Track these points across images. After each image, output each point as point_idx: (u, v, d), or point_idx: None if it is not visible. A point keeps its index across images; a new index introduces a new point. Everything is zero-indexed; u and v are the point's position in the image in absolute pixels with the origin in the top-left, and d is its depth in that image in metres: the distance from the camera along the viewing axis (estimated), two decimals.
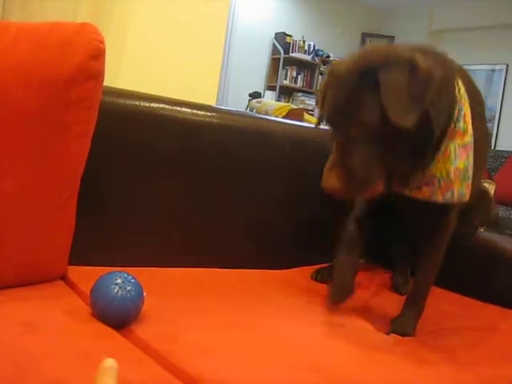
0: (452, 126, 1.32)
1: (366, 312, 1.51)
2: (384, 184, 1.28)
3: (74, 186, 1.29)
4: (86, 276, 1.30)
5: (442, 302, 1.66)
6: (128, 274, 1.13)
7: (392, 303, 1.64)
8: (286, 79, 8.73)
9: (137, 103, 1.56)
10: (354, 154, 1.21)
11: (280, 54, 8.50)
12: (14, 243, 1.19)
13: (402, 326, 1.43)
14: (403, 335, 1.38)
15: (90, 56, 1.18)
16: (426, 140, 1.28)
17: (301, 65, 8.84)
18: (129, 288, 1.10)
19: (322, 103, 1.34)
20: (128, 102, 1.55)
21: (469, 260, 1.82)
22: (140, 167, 1.57)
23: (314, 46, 8.84)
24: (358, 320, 1.45)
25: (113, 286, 1.09)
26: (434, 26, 8.75)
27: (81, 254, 1.39)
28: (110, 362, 0.70)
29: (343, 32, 9.04)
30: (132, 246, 1.56)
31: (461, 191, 1.38)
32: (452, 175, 1.34)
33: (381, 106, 1.18)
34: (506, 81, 8.22)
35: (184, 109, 1.65)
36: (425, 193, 1.37)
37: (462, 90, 1.37)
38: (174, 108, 1.64)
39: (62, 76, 1.16)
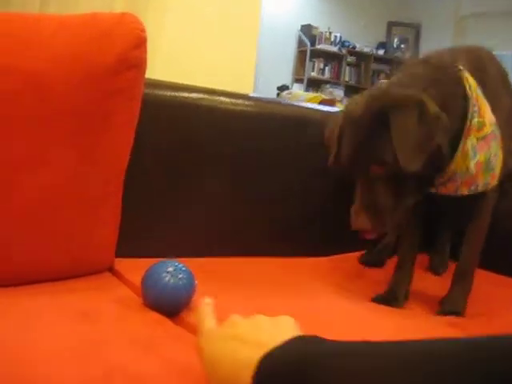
0: (468, 123, 1.33)
1: (412, 295, 1.50)
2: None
3: (119, 176, 1.29)
4: (133, 267, 1.31)
5: (490, 284, 1.63)
6: (179, 263, 1.12)
7: (434, 284, 1.64)
8: (313, 71, 8.71)
9: (175, 94, 1.56)
10: (377, 193, 1.26)
11: (306, 46, 8.49)
12: (63, 234, 1.20)
13: (452, 304, 1.42)
14: (453, 314, 1.38)
15: (131, 45, 1.18)
16: (439, 162, 1.32)
17: (328, 56, 8.81)
18: (180, 276, 1.09)
19: (337, 144, 1.36)
20: (167, 93, 1.54)
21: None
22: (184, 157, 1.57)
23: (341, 37, 8.80)
24: (408, 302, 1.45)
25: (164, 274, 1.09)
26: (461, 12, 8.63)
27: (127, 246, 1.40)
28: (208, 299, 0.87)
29: (367, 24, 8.97)
30: (180, 237, 1.56)
31: (485, 182, 1.39)
32: (473, 170, 1.35)
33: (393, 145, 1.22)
34: None
35: (223, 98, 1.65)
36: (450, 188, 1.40)
37: (474, 85, 1.37)
38: (213, 98, 1.63)
39: (103, 66, 1.16)
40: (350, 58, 8.87)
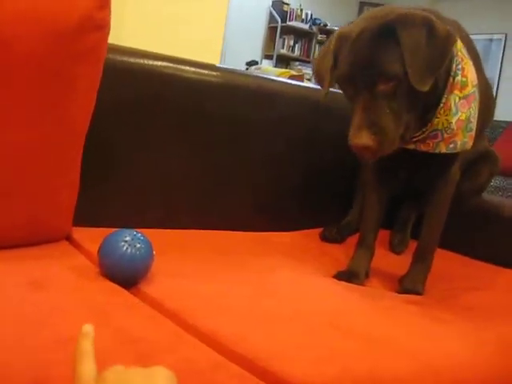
0: (451, 79, 1.33)
1: (372, 272, 1.51)
2: (404, 137, 1.28)
3: (80, 141, 1.25)
4: (91, 236, 1.28)
5: (452, 264, 1.66)
6: (137, 232, 1.10)
7: (395, 262, 1.64)
8: (283, 48, 8.65)
9: (141, 61, 1.52)
10: (382, 110, 1.20)
11: (277, 22, 8.42)
12: (20, 198, 1.16)
13: (411, 283, 1.44)
14: (412, 292, 1.39)
15: (95, 6, 1.14)
16: (434, 93, 1.30)
17: (298, 34, 8.76)
18: (138, 245, 1.07)
19: (331, 68, 1.31)
20: (132, 59, 1.50)
21: (478, 223, 1.80)
22: (146, 126, 1.53)
23: (312, 14, 8.75)
24: (368, 280, 1.45)
25: (122, 243, 1.06)
26: None
27: (86, 215, 1.36)
28: (87, 328, 0.69)
29: (339, 2, 8.92)
30: (139, 207, 1.53)
31: (463, 141, 1.40)
32: (454, 126, 1.35)
33: (402, 59, 1.18)
34: (504, 50, 8.15)
35: (188, 67, 1.61)
36: (429, 145, 1.39)
37: (459, 44, 1.37)
38: (178, 66, 1.59)
39: (66, 26, 1.11)
40: (321, 37, 8.82)
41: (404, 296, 1.34)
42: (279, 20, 8.40)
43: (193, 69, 1.61)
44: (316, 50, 8.81)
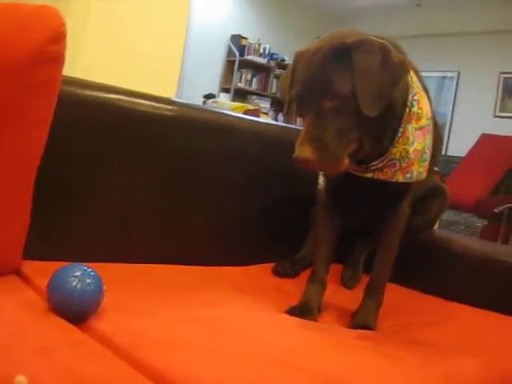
0: (407, 110, 1.37)
1: (324, 307, 1.51)
2: (350, 160, 1.29)
3: (30, 175, 1.23)
4: (41, 270, 1.25)
5: (403, 299, 1.67)
6: (87, 267, 1.08)
7: (347, 297, 1.65)
8: (240, 82, 8.71)
9: (96, 94, 1.51)
10: (326, 126, 1.22)
11: (235, 56, 8.49)
12: None
13: (363, 318, 1.44)
14: (364, 327, 1.40)
15: (50, 38, 1.13)
16: (391, 119, 1.34)
17: (256, 68, 8.85)
18: (88, 281, 1.05)
19: (289, 86, 1.35)
20: (87, 92, 1.50)
21: (428, 257, 1.83)
22: (101, 158, 1.52)
23: (270, 49, 8.86)
24: (320, 315, 1.46)
25: (72, 279, 1.05)
26: (388, 32, 8.84)
27: (36, 248, 1.33)
28: (20, 378, 0.68)
29: (295, 38, 9.07)
30: (91, 240, 1.51)
31: (419, 171, 1.44)
32: (411, 155, 1.39)
33: (353, 81, 1.22)
34: (457, 88, 8.38)
35: (143, 101, 1.61)
36: (387, 174, 1.41)
37: (414, 77, 1.42)
38: (133, 100, 1.59)
39: (19, 58, 1.11)
40: (278, 71, 8.92)
41: (356, 331, 1.34)
42: (237, 54, 8.48)
43: (148, 102, 1.62)
44: (273, 84, 8.91)
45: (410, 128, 1.37)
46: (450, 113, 8.30)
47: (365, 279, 1.65)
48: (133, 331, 1.06)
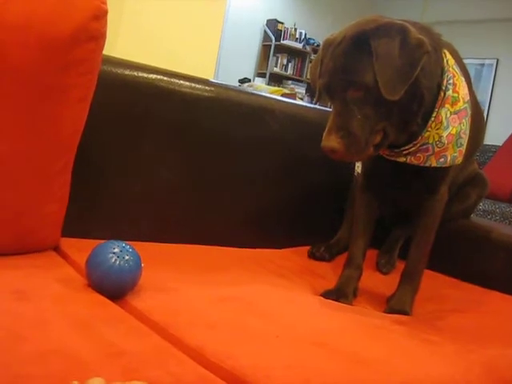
0: (442, 94, 1.35)
1: (360, 292, 1.50)
2: (376, 149, 1.30)
3: (70, 152, 1.24)
4: (79, 247, 1.27)
5: (440, 286, 1.66)
6: (126, 244, 1.09)
7: (382, 283, 1.64)
8: (276, 66, 8.69)
9: (135, 73, 1.51)
10: (352, 116, 1.24)
11: (271, 41, 8.46)
12: (6, 208, 1.15)
13: (399, 303, 1.43)
14: (400, 313, 1.38)
15: (91, 16, 1.13)
16: (418, 105, 1.31)
17: (292, 53, 8.80)
18: (127, 258, 1.06)
19: (318, 75, 1.35)
20: (126, 72, 1.50)
21: (467, 245, 1.80)
22: (139, 140, 1.53)
23: (306, 34, 8.80)
24: (356, 299, 1.45)
25: (110, 255, 1.05)
26: (425, 18, 8.71)
27: (75, 226, 1.35)
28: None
29: (334, 22, 8.98)
30: (129, 219, 1.52)
31: (453, 156, 1.41)
32: (445, 140, 1.37)
33: (374, 70, 1.22)
34: (495, 76, 8.23)
35: (182, 81, 1.61)
36: (419, 158, 1.40)
37: (452, 61, 1.40)
38: (172, 80, 1.59)
39: (61, 36, 1.10)
40: (314, 56, 8.85)
41: (392, 316, 1.33)
42: (273, 38, 8.44)
43: (186, 83, 1.61)
44: (309, 70, 8.85)
45: (444, 112, 1.35)
46: (487, 101, 8.16)
47: (400, 265, 1.64)
48: (170, 309, 1.07)
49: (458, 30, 8.09)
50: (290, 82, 8.71)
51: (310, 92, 8.63)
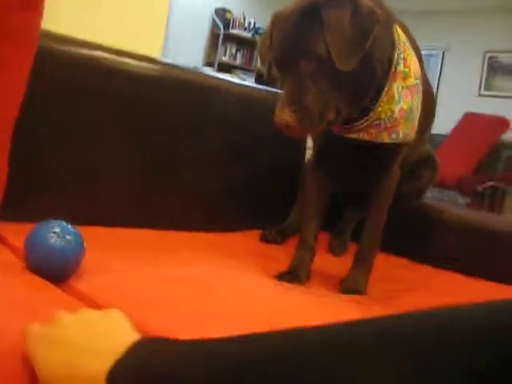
0: (393, 68, 1.32)
1: (313, 274, 1.47)
2: (332, 120, 1.27)
3: (8, 128, 1.17)
4: (18, 231, 1.19)
5: (393, 266, 1.64)
6: (67, 223, 1.03)
7: (335, 264, 1.62)
8: (225, 56, 8.63)
9: (77, 50, 1.45)
10: (305, 89, 1.20)
11: (220, 30, 8.39)
12: None
13: (353, 283, 1.41)
14: (355, 292, 1.36)
15: None
16: (370, 78, 1.29)
17: (240, 42, 8.75)
18: (68, 237, 1.00)
19: (268, 50, 1.32)
20: (68, 48, 1.43)
21: (419, 226, 1.80)
22: (81, 117, 1.46)
23: (255, 23, 8.76)
24: (309, 281, 1.42)
25: (50, 235, 0.99)
26: None
27: (12, 210, 1.27)
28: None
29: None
30: (70, 202, 1.45)
31: (406, 131, 1.39)
32: (397, 115, 1.34)
33: (326, 41, 1.19)
34: (442, 66, 8.36)
35: (127, 59, 1.55)
36: (371, 134, 1.37)
37: (403, 36, 1.38)
38: (118, 58, 1.53)
39: None
40: None
41: (346, 296, 1.31)
42: (221, 27, 8.37)
43: (131, 61, 1.56)
44: (258, 59, 8.82)
45: (396, 87, 1.33)
46: (434, 91, 8.28)
47: (352, 248, 1.62)
48: (115, 290, 1.01)
49: (406, 19, 8.19)
50: (239, 71, 8.66)
51: (260, 81, 8.61)
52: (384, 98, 1.32)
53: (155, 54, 4.13)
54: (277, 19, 1.29)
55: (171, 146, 1.64)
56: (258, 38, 8.72)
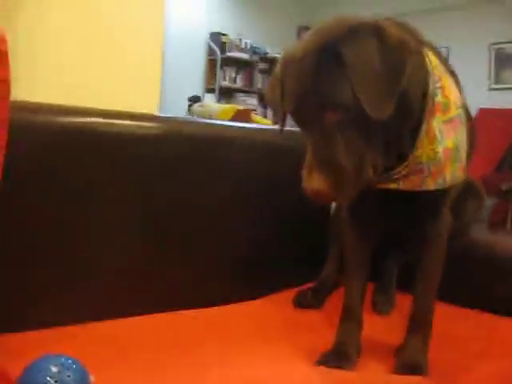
0: (430, 102, 1.11)
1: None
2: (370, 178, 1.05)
3: None
4: (12, 350, 0.99)
5: (451, 319, 1.40)
6: (66, 358, 0.82)
7: (384, 326, 1.40)
8: (225, 80, 8.46)
9: (59, 118, 1.26)
10: (335, 146, 0.99)
11: (216, 54, 8.23)
12: None
13: (411, 357, 1.18)
14: (415, 369, 1.14)
15: None
16: (406, 119, 1.08)
17: (239, 64, 8.59)
18: (68, 378, 0.79)
19: (281, 99, 1.10)
20: (48, 117, 1.25)
21: (471, 265, 1.56)
22: (71, 196, 1.27)
23: (251, 43, 8.61)
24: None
25: (48, 378, 0.79)
26: (376, 10, 8.63)
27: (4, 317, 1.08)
28: None
29: (276, 29, 8.81)
30: (75, 297, 1.25)
31: (454, 175, 1.18)
32: (441, 156, 1.13)
33: (352, 85, 0.97)
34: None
35: (121, 121, 1.36)
36: (414, 182, 1.16)
37: (435, 61, 1.16)
38: (110, 121, 1.34)
39: None
40: (262, 65, 8.66)
41: (406, 378, 1.09)
42: (218, 52, 8.22)
43: (128, 122, 1.37)
44: (258, 79, 8.66)
45: (436, 123, 1.11)
46: None
47: (399, 300, 1.44)
48: None
49: (409, 20, 8.03)
50: (240, 94, 8.50)
51: (263, 103, 8.43)
52: (424, 138, 1.11)
53: (154, 97, 3.96)
54: (287, 62, 1.07)
55: (178, 212, 1.44)
56: (256, 58, 8.59)
